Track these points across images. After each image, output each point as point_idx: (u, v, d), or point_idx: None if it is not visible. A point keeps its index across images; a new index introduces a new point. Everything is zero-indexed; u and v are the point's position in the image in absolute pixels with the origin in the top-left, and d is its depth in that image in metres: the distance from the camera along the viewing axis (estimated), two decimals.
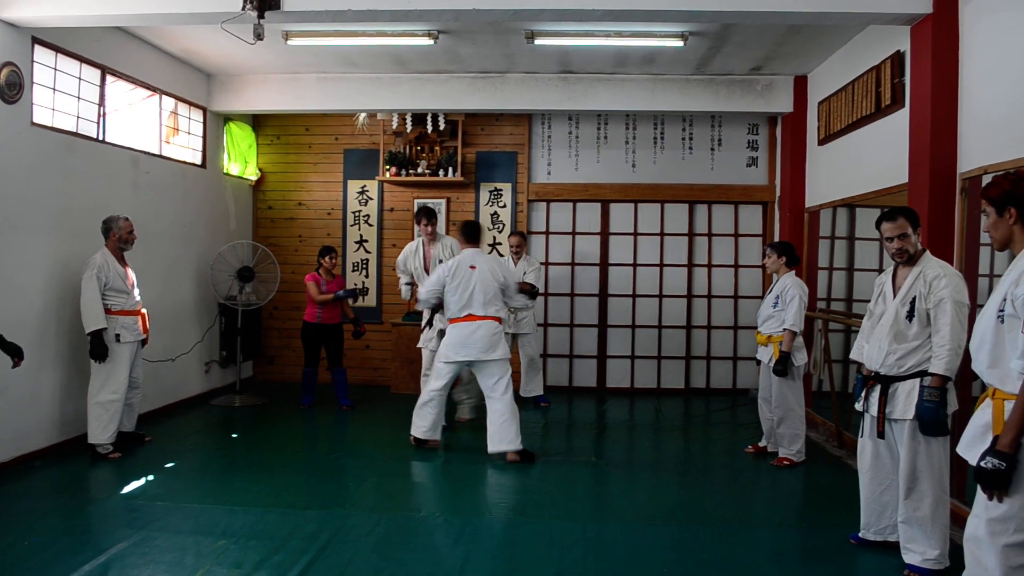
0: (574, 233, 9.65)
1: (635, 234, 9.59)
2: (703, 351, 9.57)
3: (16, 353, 4.96)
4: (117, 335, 6.18)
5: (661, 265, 9.57)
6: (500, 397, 6.34)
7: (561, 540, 4.61)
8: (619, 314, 9.63)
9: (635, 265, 9.59)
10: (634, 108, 8.54)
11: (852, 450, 6.31)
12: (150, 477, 5.77)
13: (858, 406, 4.43)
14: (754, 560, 4.41)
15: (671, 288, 9.57)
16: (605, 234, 9.62)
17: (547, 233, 9.67)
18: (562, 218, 9.67)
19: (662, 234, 9.57)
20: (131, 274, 6.41)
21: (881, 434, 4.26)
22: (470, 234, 6.61)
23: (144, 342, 6.55)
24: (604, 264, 9.62)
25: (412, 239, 9.61)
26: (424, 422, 6.59)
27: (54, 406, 6.37)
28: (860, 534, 4.54)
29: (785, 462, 6.30)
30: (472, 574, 4.10)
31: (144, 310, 6.53)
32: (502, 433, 6.31)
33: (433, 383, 6.54)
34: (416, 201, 9.71)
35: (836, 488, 5.77)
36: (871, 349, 4.33)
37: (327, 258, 8.19)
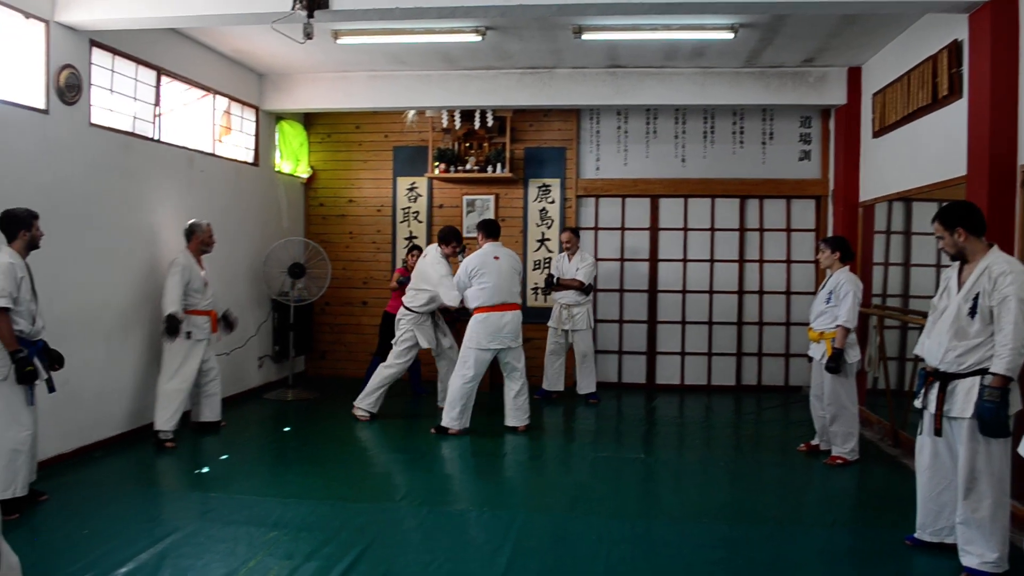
0: (623, 229, 9.59)
1: (685, 229, 9.49)
2: (754, 347, 9.44)
3: (57, 360, 5.04)
4: (188, 332, 6.51)
5: (711, 261, 9.46)
6: (519, 378, 7.11)
7: (609, 537, 4.58)
8: (669, 310, 9.55)
9: (685, 261, 9.50)
10: (683, 102, 8.46)
11: (908, 449, 6.17)
12: (205, 468, 5.89)
13: (917, 403, 4.33)
14: (805, 560, 4.34)
15: (722, 284, 9.46)
16: (655, 229, 9.54)
17: (596, 229, 9.62)
18: (611, 214, 9.62)
19: (712, 229, 9.46)
20: (205, 276, 6.74)
21: (939, 432, 4.16)
22: (491, 230, 7.25)
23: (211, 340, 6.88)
24: (654, 260, 9.54)
25: (461, 236, 9.67)
26: (456, 411, 6.99)
27: (119, 398, 6.57)
28: (916, 535, 4.44)
29: (838, 461, 6.19)
30: (519, 570, 4.10)
31: (215, 310, 6.87)
32: (520, 411, 7.11)
33: (467, 372, 6.93)
34: (464, 197, 9.75)
35: (891, 488, 5.65)
36: (931, 344, 4.23)
37: (415, 252, 8.51)
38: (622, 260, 9.59)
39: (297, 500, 5.15)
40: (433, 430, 7.03)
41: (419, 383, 8.87)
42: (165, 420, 6.40)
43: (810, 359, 6.44)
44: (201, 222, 6.76)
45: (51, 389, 4.99)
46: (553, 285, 8.48)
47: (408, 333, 7.51)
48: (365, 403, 7.55)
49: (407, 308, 7.54)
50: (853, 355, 6.07)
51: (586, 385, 8.58)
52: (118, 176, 6.54)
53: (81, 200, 6.08)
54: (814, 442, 6.58)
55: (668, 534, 4.66)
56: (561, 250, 8.74)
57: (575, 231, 8.59)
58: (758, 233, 9.40)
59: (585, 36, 7.03)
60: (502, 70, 8.53)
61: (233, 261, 8.35)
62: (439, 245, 7.42)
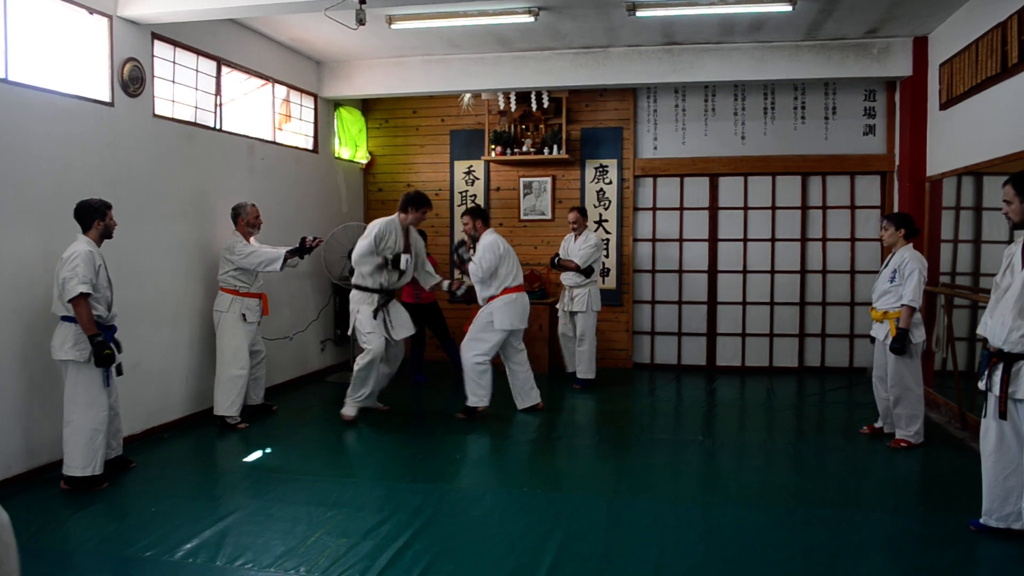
0: (682, 208, 9.47)
1: (745, 208, 9.33)
2: (817, 328, 9.26)
3: (118, 346, 5.22)
4: (243, 315, 6.60)
5: (772, 240, 9.28)
6: (524, 360, 7.21)
7: (663, 520, 4.56)
8: (729, 291, 9.42)
9: (745, 240, 9.34)
10: (742, 78, 8.29)
11: (975, 432, 5.97)
12: (268, 449, 6.04)
13: (981, 385, 4.20)
14: (866, 545, 4.25)
15: (783, 263, 9.28)
16: (714, 209, 9.40)
17: (654, 209, 9.53)
18: (669, 193, 9.50)
19: (773, 208, 9.27)
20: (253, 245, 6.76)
21: (1004, 414, 4.03)
22: (487, 218, 7.23)
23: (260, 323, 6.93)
24: (713, 240, 9.41)
25: (518, 218, 9.70)
26: (482, 390, 6.99)
27: (185, 381, 6.79)
28: (981, 520, 4.30)
29: (902, 444, 6.04)
30: (571, 552, 4.11)
31: (264, 293, 6.92)
32: (533, 390, 7.26)
33: (483, 352, 6.94)
34: (521, 180, 9.74)
35: (956, 472, 5.49)
36: (994, 324, 4.09)
37: None
38: (681, 240, 9.48)
39: (355, 480, 5.26)
40: (461, 415, 7.02)
41: (421, 368, 8.81)
42: (228, 405, 6.53)
43: (872, 340, 6.29)
44: (246, 203, 6.76)
45: (119, 372, 5.23)
46: (556, 265, 8.33)
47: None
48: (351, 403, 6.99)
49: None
50: (918, 335, 5.90)
51: (582, 371, 8.37)
52: (181, 166, 6.71)
53: (145, 190, 6.25)
54: (877, 424, 6.43)
55: (724, 517, 4.62)
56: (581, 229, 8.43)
57: (582, 210, 8.47)
58: (821, 211, 9.18)
59: (640, 13, 6.92)
60: (556, 50, 8.47)
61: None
62: (399, 213, 6.89)
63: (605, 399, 7.85)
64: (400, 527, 4.42)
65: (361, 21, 5.58)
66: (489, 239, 6.93)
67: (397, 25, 7.29)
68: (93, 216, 5.01)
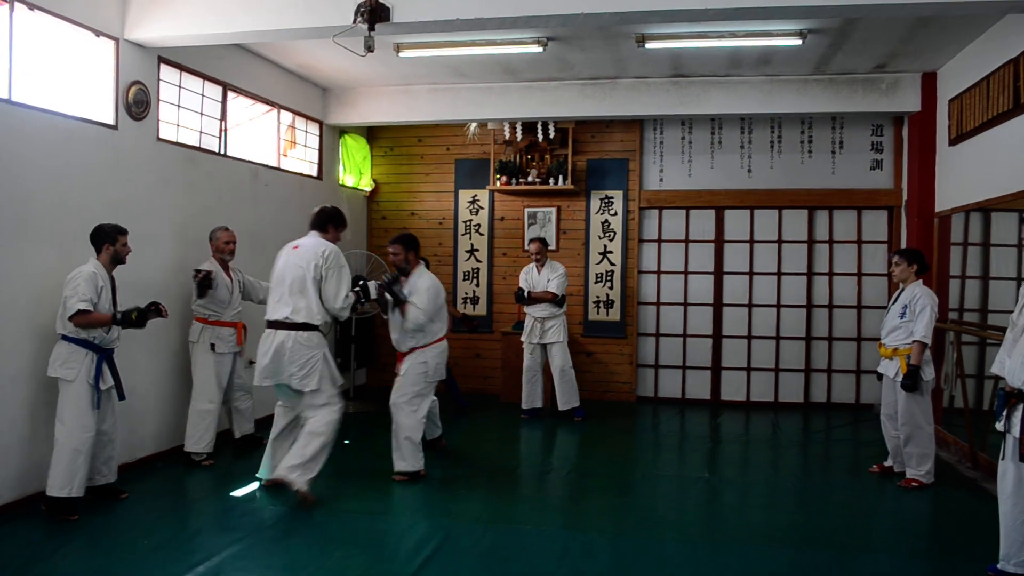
0: (687, 241, 9.41)
1: (751, 241, 9.26)
2: (824, 363, 9.15)
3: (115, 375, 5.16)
4: (212, 344, 6.29)
5: (779, 274, 9.21)
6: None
7: (671, 560, 4.44)
8: (734, 324, 9.32)
9: (751, 274, 9.26)
10: (749, 111, 8.27)
11: (988, 472, 5.87)
12: (260, 481, 5.87)
13: (999, 426, 4.09)
14: None
15: (789, 298, 9.19)
16: (720, 242, 9.34)
17: (659, 241, 9.46)
18: (675, 225, 9.44)
19: (780, 241, 9.20)
20: (235, 285, 6.50)
21: (1023, 456, 3.92)
22: (419, 249, 6.25)
23: (240, 354, 6.59)
24: (719, 273, 9.33)
25: (522, 249, 9.63)
26: (420, 451, 6.05)
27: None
28: (999, 566, 4.16)
29: (913, 483, 5.91)
30: None
31: (242, 322, 6.56)
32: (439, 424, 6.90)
33: (426, 407, 6.11)
34: (526, 210, 9.69)
35: (970, 513, 5.37)
36: (1013, 363, 3.99)
37: None
38: (686, 273, 9.40)
39: (354, 515, 5.12)
40: (397, 477, 5.94)
41: (459, 394, 8.72)
42: (195, 440, 6.26)
43: (879, 376, 6.19)
44: (217, 228, 6.44)
45: (121, 396, 5.21)
46: (524, 299, 8.17)
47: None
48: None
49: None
50: (928, 372, 5.81)
51: (568, 400, 8.17)
52: (184, 190, 6.65)
53: (148, 213, 6.18)
54: (887, 463, 6.30)
55: (731, 558, 4.49)
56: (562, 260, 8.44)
57: (543, 241, 8.35)
58: (827, 245, 9.11)
59: (648, 45, 6.91)
60: (564, 81, 8.45)
61: None
62: (319, 232, 5.60)
63: (607, 433, 7.72)
64: (401, 564, 4.30)
65: (370, 48, 5.54)
66: (430, 280, 6.05)
67: (405, 53, 7.27)
68: (103, 240, 5.09)
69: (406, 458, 5.94)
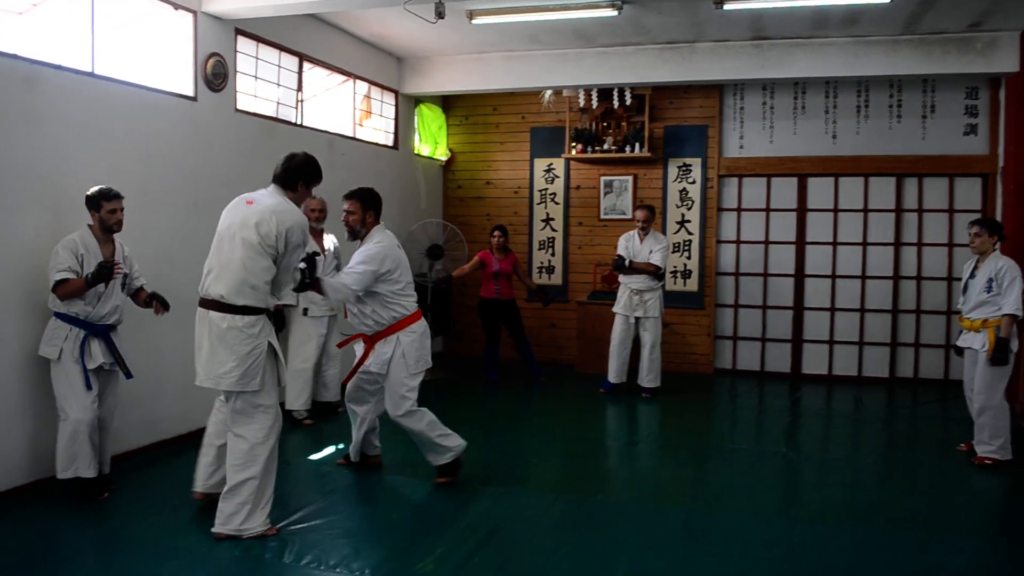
0: (768, 210, 9.14)
1: (835, 210, 8.94)
2: (911, 337, 8.80)
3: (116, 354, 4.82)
4: (305, 309, 6.50)
5: (864, 244, 8.87)
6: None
7: (744, 535, 4.34)
8: (817, 296, 9.04)
9: (835, 244, 8.95)
10: (834, 74, 7.93)
11: None
12: (340, 445, 5.99)
13: None
14: (958, 573, 3.95)
15: (875, 269, 8.86)
16: (802, 210, 9.04)
17: (739, 210, 9.22)
18: (755, 194, 9.18)
19: (866, 210, 8.85)
20: (328, 247, 6.64)
21: None
22: (380, 209, 5.13)
23: (335, 317, 6.75)
24: (801, 242, 9.05)
25: (598, 218, 9.53)
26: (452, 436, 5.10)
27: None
28: None
29: (987, 460, 5.65)
30: (644, 564, 3.94)
31: None
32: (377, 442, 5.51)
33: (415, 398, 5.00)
34: (602, 178, 9.56)
35: None
36: None
37: (495, 234, 8.39)
38: (767, 243, 9.15)
39: (424, 481, 5.16)
40: (441, 480, 5.08)
41: (535, 363, 8.66)
42: (293, 399, 6.51)
43: (959, 351, 5.92)
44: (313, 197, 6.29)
45: (128, 375, 4.84)
46: (624, 268, 7.65)
47: None
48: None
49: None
50: (1015, 345, 5.55)
51: (652, 378, 7.83)
52: (262, 160, 6.72)
53: (226, 183, 6.28)
54: (975, 441, 6.05)
55: (808, 535, 4.37)
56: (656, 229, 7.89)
57: (651, 209, 7.88)
58: (916, 214, 8.72)
59: (727, 6, 6.65)
60: (640, 46, 8.25)
61: None
62: (287, 191, 4.34)
63: (683, 405, 7.60)
64: (468, 531, 4.31)
65: (440, 15, 5.51)
66: (378, 245, 4.88)
67: (478, 20, 7.20)
68: (88, 207, 4.66)
69: (442, 449, 5.01)
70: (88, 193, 4.67)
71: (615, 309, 7.93)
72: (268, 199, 4.22)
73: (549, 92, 9.49)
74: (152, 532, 4.24)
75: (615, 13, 6.86)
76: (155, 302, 4.90)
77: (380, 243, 4.85)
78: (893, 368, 8.85)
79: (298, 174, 4.30)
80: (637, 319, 7.81)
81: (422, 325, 5.03)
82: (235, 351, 4.01)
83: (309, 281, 4.44)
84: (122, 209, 4.74)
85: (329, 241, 6.68)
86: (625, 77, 8.42)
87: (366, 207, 4.93)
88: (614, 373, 7.93)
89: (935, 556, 4.12)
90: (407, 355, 4.85)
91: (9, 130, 4.58)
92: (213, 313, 4.06)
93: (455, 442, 5.01)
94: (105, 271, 4.50)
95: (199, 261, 5.50)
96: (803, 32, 7.65)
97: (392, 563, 3.89)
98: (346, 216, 4.94)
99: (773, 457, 5.98)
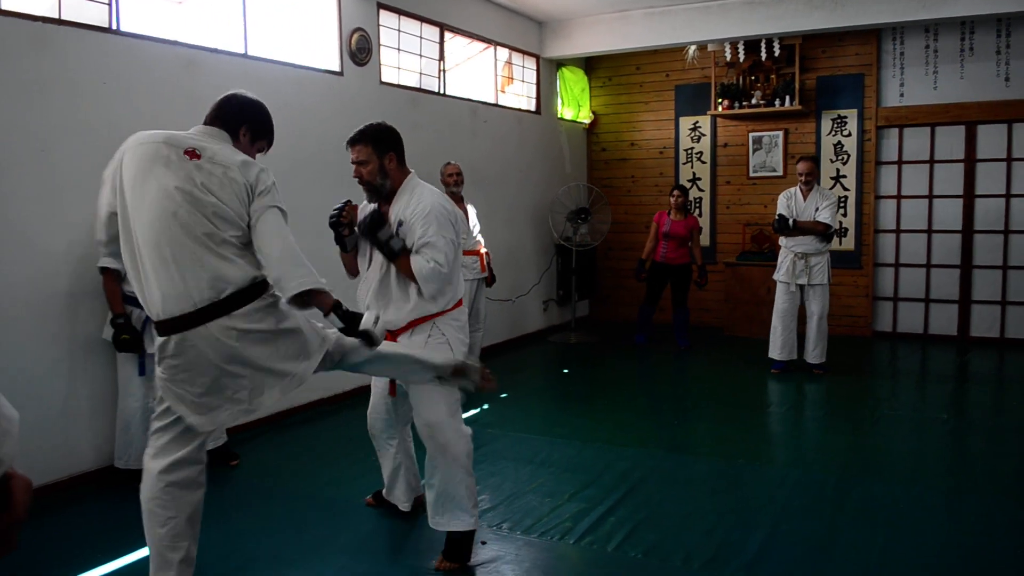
0: (932, 161, 8.56)
1: (1008, 160, 8.25)
2: None
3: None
4: None
5: None
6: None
7: (897, 504, 4.14)
8: (987, 253, 8.42)
9: (1008, 196, 8.28)
10: (1009, 10, 7.24)
11: None
12: (485, 405, 6.16)
13: None
14: None
15: None
16: (970, 161, 8.41)
17: (899, 163, 8.69)
18: (917, 145, 8.62)
19: None
20: (471, 215, 6.74)
21: None
22: (403, 152, 3.66)
23: (487, 281, 6.87)
24: (969, 196, 8.43)
25: (746, 176, 9.25)
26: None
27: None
28: None
29: None
30: (784, 531, 3.83)
31: (484, 250, 6.83)
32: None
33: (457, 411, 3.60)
34: (751, 134, 9.24)
35: None
36: None
37: (674, 194, 8.15)
38: (931, 197, 8.58)
39: (565, 440, 5.23)
40: (442, 565, 3.46)
41: (685, 331, 8.30)
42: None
43: None
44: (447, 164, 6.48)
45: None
46: (788, 228, 6.81)
47: None
48: None
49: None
50: None
51: (819, 353, 6.98)
52: (407, 131, 6.80)
53: None
54: None
55: (968, 506, 4.13)
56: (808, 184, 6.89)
57: (815, 160, 7.01)
58: None
59: None
60: None
61: (517, 208, 8.62)
62: (254, 141, 3.23)
63: (839, 369, 7.25)
64: (606, 491, 4.34)
65: None
66: (432, 201, 3.47)
67: None
68: None
69: (458, 509, 3.48)
70: None
71: (776, 276, 7.07)
72: (225, 150, 2.97)
73: (693, 48, 9.23)
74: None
75: None
76: None
77: (432, 196, 3.49)
78: None
79: (241, 116, 3.07)
80: (800, 287, 6.98)
81: (462, 313, 3.68)
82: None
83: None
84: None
85: (472, 212, 6.78)
86: (773, 27, 8.07)
87: (381, 149, 3.48)
88: (781, 349, 7.05)
89: None
90: (451, 343, 3.52)
91: (173, 112, 4.92)
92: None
93: (474, 513, 3.52)
94: (125, 344, 4.20)
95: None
96: None
97: (529, 520, 3.97)
98: (357, 170, 3.51)
99: (934, 424, 5.66)
